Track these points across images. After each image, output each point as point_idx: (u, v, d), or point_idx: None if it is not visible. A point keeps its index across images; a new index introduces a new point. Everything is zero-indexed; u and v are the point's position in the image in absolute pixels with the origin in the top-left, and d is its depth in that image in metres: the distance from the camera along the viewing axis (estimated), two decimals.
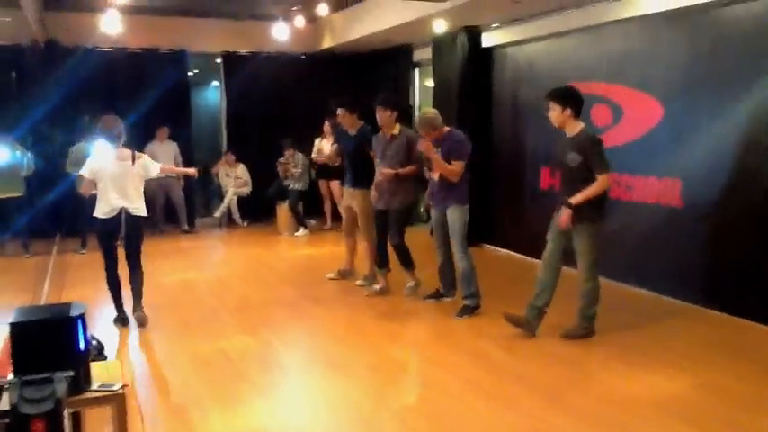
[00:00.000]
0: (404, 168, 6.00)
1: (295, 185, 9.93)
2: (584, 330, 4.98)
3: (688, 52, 5.84)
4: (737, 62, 5.41)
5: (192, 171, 6.74)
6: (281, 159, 9.99)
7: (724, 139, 5.52)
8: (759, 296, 5.26)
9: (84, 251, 8.47)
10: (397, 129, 6.09)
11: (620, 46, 6.54)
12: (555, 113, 4.79)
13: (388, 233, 6.20)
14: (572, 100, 4.78)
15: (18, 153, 8.33)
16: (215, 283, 7.11)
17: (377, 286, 6.42)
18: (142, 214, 5.44)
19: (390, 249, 6.25)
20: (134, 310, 5.49)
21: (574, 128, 4.81)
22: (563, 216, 4.77)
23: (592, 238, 4.83)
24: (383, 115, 6.07)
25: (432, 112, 5.76)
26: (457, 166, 5.49)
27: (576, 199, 4.70)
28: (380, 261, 6.38)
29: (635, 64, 6.36)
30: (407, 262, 6.30)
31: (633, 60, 6.38)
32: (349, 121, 6.60)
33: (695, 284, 5.82)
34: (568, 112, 4.75)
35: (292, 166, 9.90)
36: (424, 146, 5.49)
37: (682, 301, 5.86)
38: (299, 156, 9.95)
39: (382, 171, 6.05)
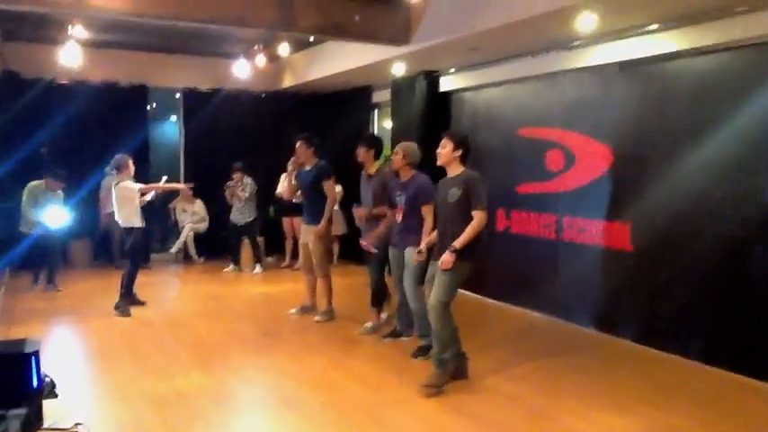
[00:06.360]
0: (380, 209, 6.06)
1: (241, 218, 9.81)
2: (444, 378, 4.82)
3: (638, 102, 6.10)
4: (684, 113, 5.66)
5: (182, 186, 6.80)
6: (229, 183, 9.86)
7: (673, 186, 5.73)
8: (711, 339, 5.41)
9: (36, 286, 8.26)
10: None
11: (574, 94, 6.79)
12: (446, 150, 4.87)
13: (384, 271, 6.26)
14: (466, 145, 4.90)
15: None
16: (171, 320, 6.98)
17: (369, 324, 6.37)
18: None
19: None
20: None
21: (457, 169, 4.89)
22: (445, 257, 4.70)
23: (454, 279, 4.73)
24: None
25: (414, 146, 5.83)
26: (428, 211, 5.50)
27: (459, 241, 4.67)
28: (378, 299, 6.40)
29: (588, 111, 6.60)
30: (380, 302, 6.40)
31: (586, 108, 6.63)
32: (305, 155, 6.68)
33: (648, 327, 5.96)
34: (459, 153, 4.86)
35: (239, 190, 9.77)
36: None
37: (635, 344, 6.00)
38: (248, 180, 9.81)
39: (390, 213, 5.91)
